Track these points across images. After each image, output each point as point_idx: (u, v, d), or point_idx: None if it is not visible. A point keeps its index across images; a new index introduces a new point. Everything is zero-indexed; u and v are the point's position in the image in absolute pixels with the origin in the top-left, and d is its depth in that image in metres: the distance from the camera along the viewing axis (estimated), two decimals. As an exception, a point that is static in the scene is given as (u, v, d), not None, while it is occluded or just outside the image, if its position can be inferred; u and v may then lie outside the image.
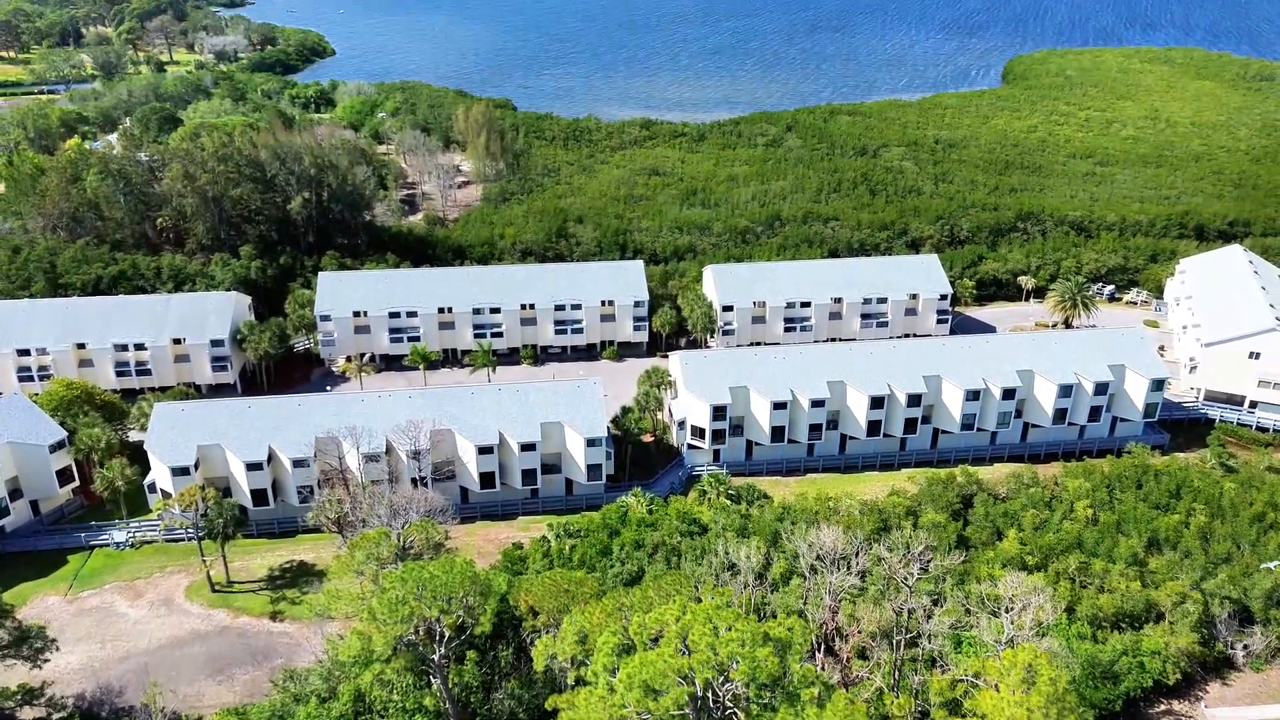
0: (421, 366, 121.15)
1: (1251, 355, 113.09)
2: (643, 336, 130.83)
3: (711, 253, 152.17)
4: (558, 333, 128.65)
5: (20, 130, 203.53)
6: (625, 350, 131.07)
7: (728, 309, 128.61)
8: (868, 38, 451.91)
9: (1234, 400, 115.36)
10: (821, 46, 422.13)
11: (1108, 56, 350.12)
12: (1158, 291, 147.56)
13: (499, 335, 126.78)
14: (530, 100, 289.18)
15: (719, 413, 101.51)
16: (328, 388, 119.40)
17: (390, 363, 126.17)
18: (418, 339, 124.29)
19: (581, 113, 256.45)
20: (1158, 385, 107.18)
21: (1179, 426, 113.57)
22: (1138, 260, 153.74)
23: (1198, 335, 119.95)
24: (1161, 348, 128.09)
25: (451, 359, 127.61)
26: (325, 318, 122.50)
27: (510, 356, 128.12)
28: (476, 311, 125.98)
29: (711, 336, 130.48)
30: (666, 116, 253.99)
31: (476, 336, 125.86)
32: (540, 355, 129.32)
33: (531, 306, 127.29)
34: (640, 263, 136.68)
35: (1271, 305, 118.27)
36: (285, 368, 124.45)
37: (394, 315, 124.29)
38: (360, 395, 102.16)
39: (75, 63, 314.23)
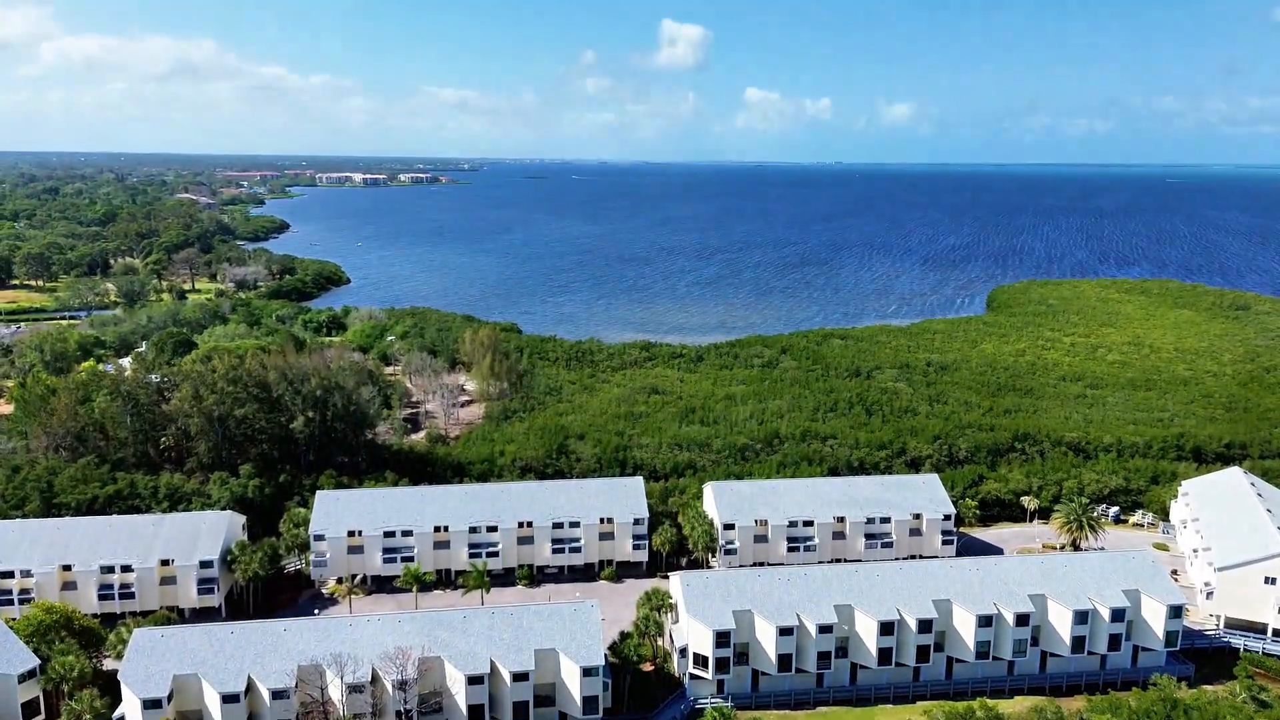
0: (414, 588, 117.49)
1: (1267, 580, 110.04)
2: (642, 556, 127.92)
3: (711, 469, 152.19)
4: (555, 552, 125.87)
5: (37, 354, 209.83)
6: (624, 570, 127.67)
7: (729, 527, 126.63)
8: (854, 269, 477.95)
9: (1255, 628, 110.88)
10: (811, 277, 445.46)
11: (1086, 287, 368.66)
12: (1163, 513, 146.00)
13: (494, 555, 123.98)
14: (535, 324, 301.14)
15: (722, 639, 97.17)
16: (315, 611, 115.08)
17: (382, 584, 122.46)
18: (411, 559, 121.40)
19: (584, 336, 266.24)
20: (1176, 612, 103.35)
21: (1202, 656, 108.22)
22: (1139, 481, 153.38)
23: (1209, 559, 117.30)
24: (1174, 572, 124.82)
25: (445, 580, 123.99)
26: (319, 537, 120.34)
27: (506, 577, 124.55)
28: (473, 530, 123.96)
29: (713, 556, 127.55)
30: (665, 339, 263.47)
31: (472, 556, 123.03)
32: (536, 575, 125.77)
33: (529, 525, 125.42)
34: (640, 479, 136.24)
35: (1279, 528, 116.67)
36: (274, 589, 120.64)
37: (389, 535, 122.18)
38: (348, 619, 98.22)
39: (100, 290, 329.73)
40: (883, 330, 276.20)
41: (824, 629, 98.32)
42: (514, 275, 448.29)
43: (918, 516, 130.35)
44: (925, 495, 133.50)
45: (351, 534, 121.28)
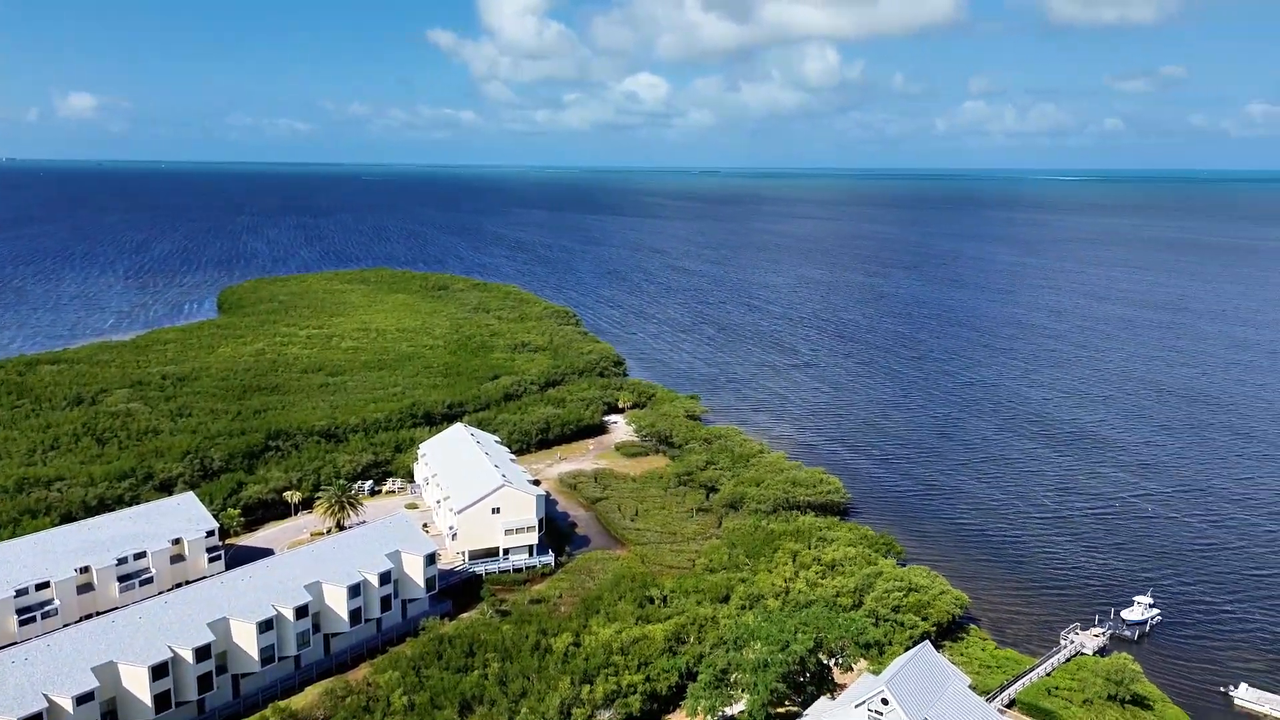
0: None
1: (494, 511, 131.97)
2: None
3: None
4: None
5: None
6: None
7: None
8: (49, 284, 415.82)
9: (492, 553, 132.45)
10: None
11: (313, 281, 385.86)
12: (409, 476, 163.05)
13: None
14: None
15: (-62, 765, 75.91)
16: None
17: None
18: None
19: None
20: (431, 559, 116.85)
21: (457, 590, 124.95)
22: (386, 453, 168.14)
23: (450, 505, 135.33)
24: (426, 525, 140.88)
25: None
26: None
27: None
28: None
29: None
30: None
31: None
32: None
33: None
34: None
35: (496, 466, 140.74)
36: None
37: None
38: None
39: None
40: (103, 348, 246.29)
41: (82, 700, 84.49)
42: None
43: (177, 541, 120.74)
44: (182, 516, 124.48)
45: None
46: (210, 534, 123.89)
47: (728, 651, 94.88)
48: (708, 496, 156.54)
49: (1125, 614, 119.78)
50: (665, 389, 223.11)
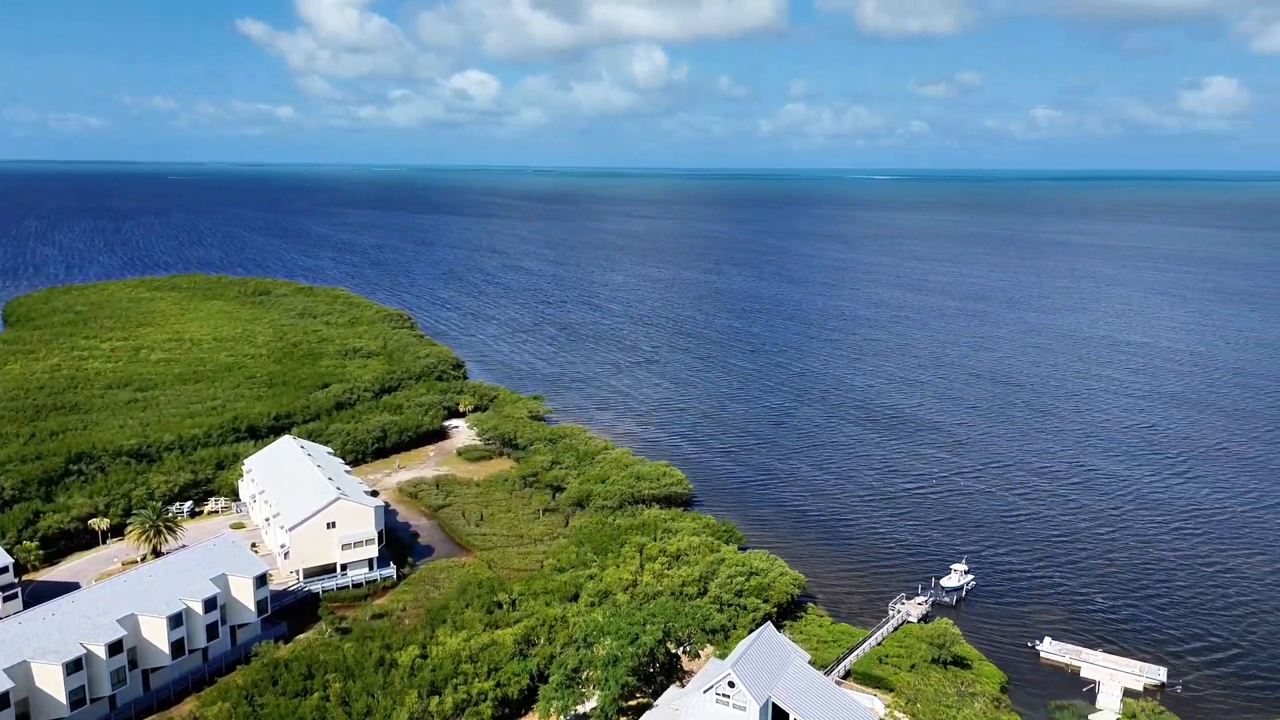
0: None
1: (329, 526, 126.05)
2: None
3: None
4: None
5: None
6: None
7: None
8: None
9: (329, 569, 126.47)
10: None
11: (115, 289, 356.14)
12: (234, 494, 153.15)
13: None
14: None
15: None
16: None
17: None
18: None
19: None
20: (261, 581, 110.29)
21: (292, 611, 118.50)
22: (206, 471, 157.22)
23: (281, 523, 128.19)
24: (254, 545, 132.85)
25: None
26: None
27: None
28: None
29: None
30: None
31: None
32: None
33: None
34: None
35: (330, 479, 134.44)
36: None
37: None
38: None
39: None
40: None
41: None
42: None
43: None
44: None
45: None
46: (3, 570, 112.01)
47: (578, 650, 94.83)
48: (554, 496, 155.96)
49: (944, 582, 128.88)
50: (508, 390, 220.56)
